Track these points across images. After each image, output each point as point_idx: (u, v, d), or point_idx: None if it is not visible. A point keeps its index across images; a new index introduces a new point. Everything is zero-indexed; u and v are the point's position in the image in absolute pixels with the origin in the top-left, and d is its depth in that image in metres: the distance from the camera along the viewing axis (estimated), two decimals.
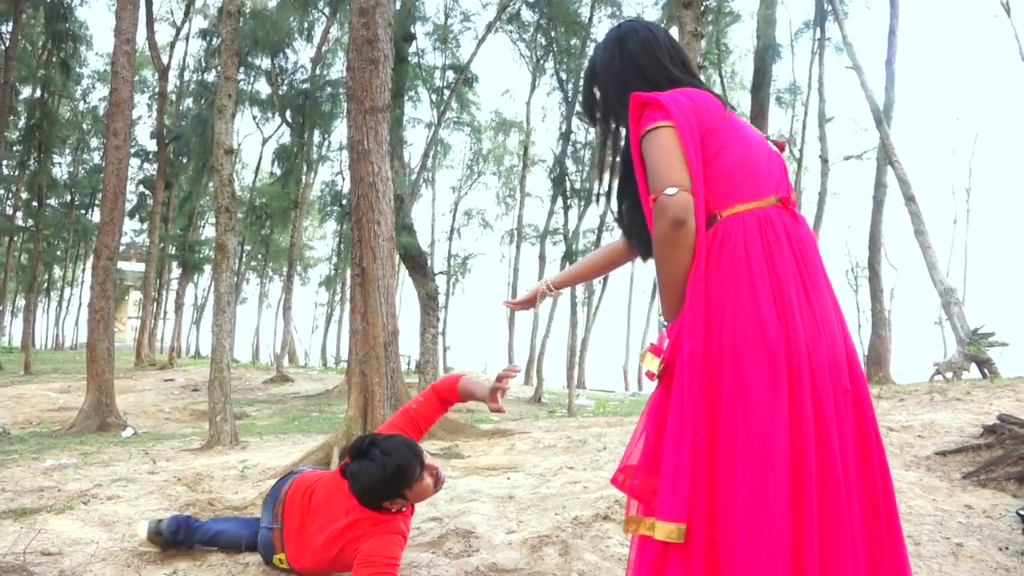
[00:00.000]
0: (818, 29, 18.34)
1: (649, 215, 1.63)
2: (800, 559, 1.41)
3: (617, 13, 19.79)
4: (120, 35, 9.25)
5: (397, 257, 8.73)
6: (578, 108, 18.73)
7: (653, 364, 1.63)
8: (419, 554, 2.85)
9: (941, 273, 12.40)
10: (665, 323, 1.69)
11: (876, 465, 1.57)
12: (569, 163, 19.17)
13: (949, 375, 10.99)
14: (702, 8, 5.05)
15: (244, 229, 22.41)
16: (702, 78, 1.90)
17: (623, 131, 1.84)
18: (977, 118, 74.00)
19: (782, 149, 1.80)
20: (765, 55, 14.18)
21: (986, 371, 10.28)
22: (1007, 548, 3.06)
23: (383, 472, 2.33)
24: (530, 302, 2.23)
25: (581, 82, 2.01)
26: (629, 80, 1.77)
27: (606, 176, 1.96)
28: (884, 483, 1.57)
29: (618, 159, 1.88)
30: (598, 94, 1.90)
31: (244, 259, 25.63)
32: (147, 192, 22.92)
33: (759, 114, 14.55)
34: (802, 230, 1.66)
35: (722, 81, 20.39)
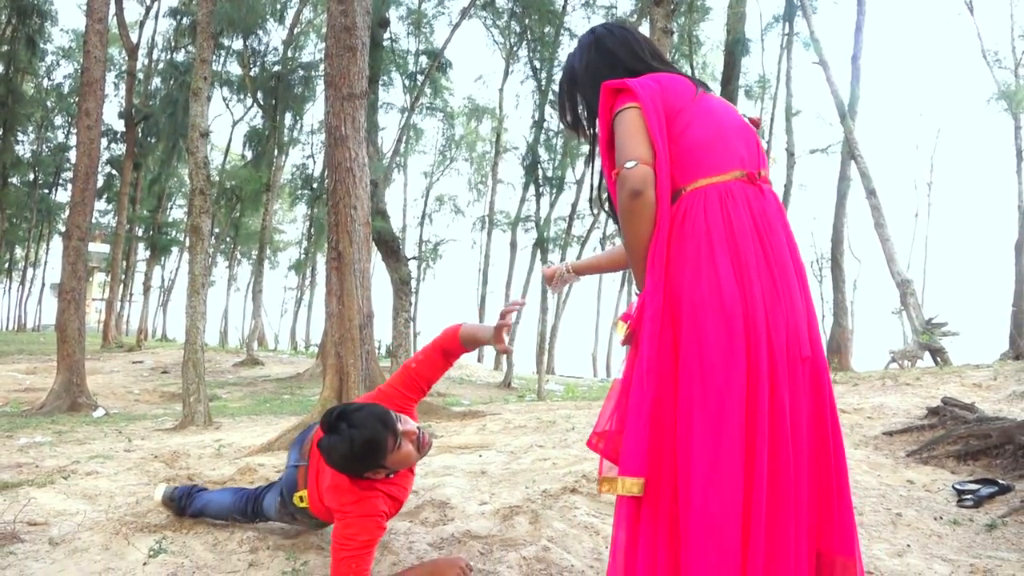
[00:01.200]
0: (787, 24, 18.68)
1: (613, 190, 1.73)
2: (748, 512, 1.48)
3: (591, 2, 19.91)
4: (92, 14, 9.16)
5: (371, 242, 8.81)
6: (551, 97, 18.87)
7: (622, 330, 1.72)
8: (396, 523, 3.01)
9: (899, 265, 12.82)
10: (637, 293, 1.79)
11: (829, 431, 1.63)
12: (542, 151, 19.29)
13: (905, 363, 11.43)
14: (672, 6, 5.23)
15: (215, 212, 22.20)
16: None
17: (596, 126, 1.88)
18: (940, 113, 75.53)
19: (757, 126, 1.86)
20: (734, 49, 14.43)
21: (938, 359, 10.70)
22: (941, 518, 3.32)
23: (351, 447, 2.20)
24: (549, 279, 2.27)
25: (558, 89, 2.03)
26: (605, 75, 1.81)
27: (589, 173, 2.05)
28: (836, 448, 1.63)
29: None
30: (579, 99, 1.95)
31: (214, 242, 25.38)
32: (115, 172, 22.58)
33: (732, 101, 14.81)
34: (768, 204, 1.70)
35: (693, 74, 20.58)
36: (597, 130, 1.88)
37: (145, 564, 2.66)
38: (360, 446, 2.20)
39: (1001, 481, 3.51)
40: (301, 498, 2.54)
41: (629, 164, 1.62)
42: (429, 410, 6.64)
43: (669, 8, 4.94)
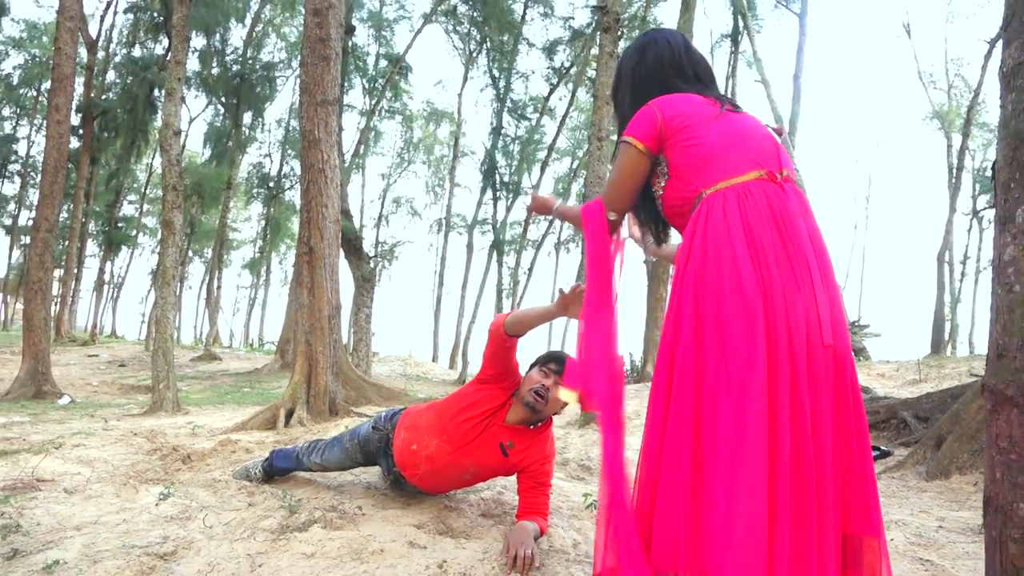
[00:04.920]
0: (733, 43, 19.57)
1: (668, 209, 1.97)
2: (774, 496, 1.55)
3: (549, 13, 20.55)
4: (64, 11, 9.38)
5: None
6: (509, 105, 19.43)
7: (571, 397, 2.08)
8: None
9: None
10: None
11: (852, 415, 1.69)
12: (499, 156, 19.83)
13: None
14: (619, 32, 5.79)
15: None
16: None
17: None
18: (878, 130, 78.53)
19: (780, 133, 1.99)
20: None
21: (860, 357, 11.62)
22: None
23: None
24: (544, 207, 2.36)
25: (613, 84, 2.25)
26: (639, 86, 2.07)
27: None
28: (859, 432, 1.70)
29: None
30: (620, 96, 2.17)
31: (185, 237, 25.19)
32: (71, 166, 22.34)
33: None
34: (788, 200, 1.80)
35: None
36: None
37: (157, 505, 3.10)
38: None
39: (883, 448, 4.17)
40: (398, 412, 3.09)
41: (611, 216, 1.98)
42: (391, 396, 7.11)
43: (616, 35, 5.54)
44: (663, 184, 1.95)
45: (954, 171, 23.70)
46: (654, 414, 1.78)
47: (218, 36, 19.84)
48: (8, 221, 29.35)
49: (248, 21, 21.77)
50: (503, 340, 2.73)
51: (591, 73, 18.20)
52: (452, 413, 2.82)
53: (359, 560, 2.40)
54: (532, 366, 2.81)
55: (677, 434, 1.67)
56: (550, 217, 2.56)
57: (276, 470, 3.38)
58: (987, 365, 1.63)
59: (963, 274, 25.82)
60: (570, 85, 21.96)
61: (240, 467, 3.51)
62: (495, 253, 20.94)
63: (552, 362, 2.74)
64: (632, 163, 1.93)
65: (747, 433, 1.55)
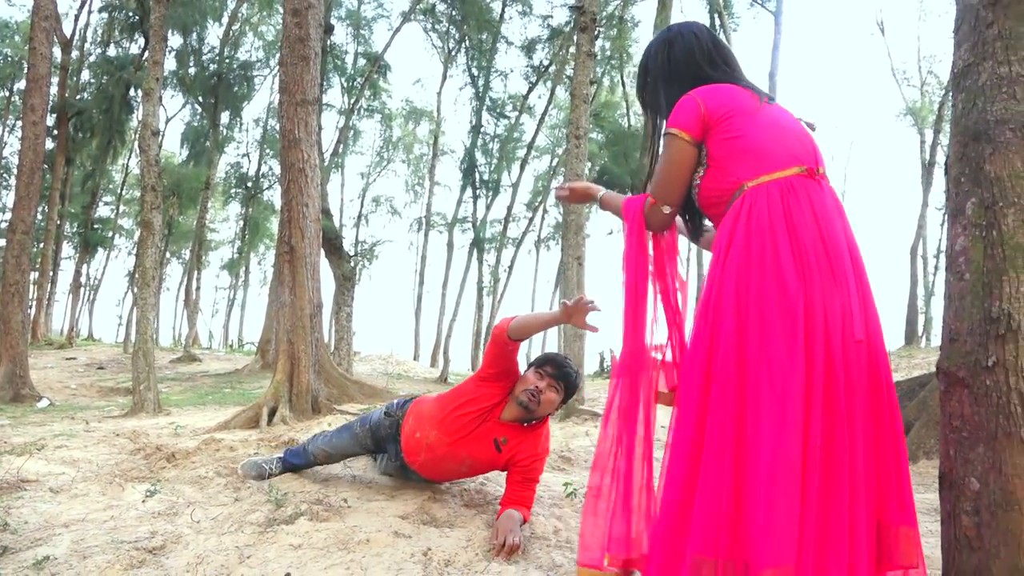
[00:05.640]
0: None
1: (704, 199, 1.97)
2: (807, 485, 1.61)
3: (528, 11, 20.61)
4: (39, 11, 9.30)
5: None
6: (488, 103, 19.48)
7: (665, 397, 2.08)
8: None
9: None
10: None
11: (886, 408, 1.72)
12: (479, 155, 19.87)
13: None
14: (596, 32, 5.87)
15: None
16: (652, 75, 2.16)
17: (663, 125, 2.06)
18: (853, 127, 79.26)
19: (813, 129, 2.01)
20: None
21: None
22: None
23: (575, 379, 2.89)
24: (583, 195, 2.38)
25: (638, 70, 2.24)
26: (673, 79, 2.06)
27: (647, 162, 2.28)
28: (893, 424, 1.73)
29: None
30: (650, 90, 2.17)
31: (164, 237, 24.97)
32: (46, 167, 22.05)
33: None
34: (826, 197, 1.82)
35: (623, 85, 21.56)
36: (655, 119, 2.18)
37: (144, 501, 3.14)
38: (574, 380, 2.90)
39: None
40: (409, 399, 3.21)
41: (666, 210, 2.00)
42: (373, 393, 7.15)
43: (592, 35, 5.62)
44: (701, 174, 1.94)
45: (927, 166, 24.07)
46: (686, 405, 1.79)
47: (195, 35, 19.69)
48: None
49: (225, 20, 21.64)
50: (505, 344, 2.85)
51: (570, 71, 18.31)
52: (452, 407, 2.94)
53: (346, 550, 2.46)
54: (529, 367, 2.92)
55: (719, 431, 1.68)
56: (592, 205, 2.60)
57: (290, 466, 3.44)
58: (941, 349, 1.72)
59: (936, 268, 26.24)
60: (549, 83, 22.04)
61: (249, 463, 3.49)
62: (475, 251, 21.00)
63: (548, 365, 2.85)
64: (680, 154, 1.93)
65: (786, 434, 1.58)
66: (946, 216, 1.76)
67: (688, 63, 2.04)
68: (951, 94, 1.75)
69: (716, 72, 2.02)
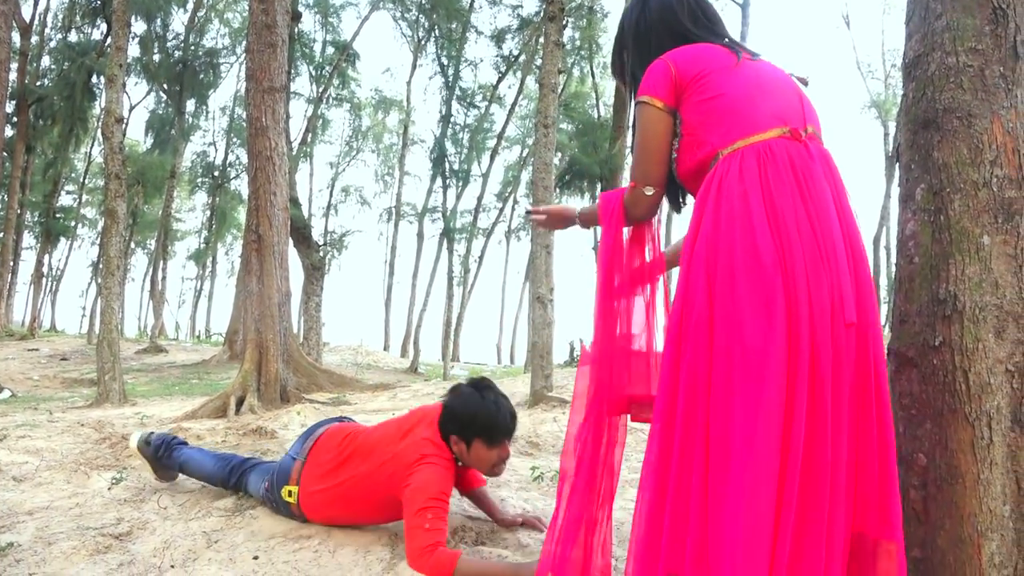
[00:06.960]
0: None
1: (683, 173, 1.77)
2: (783, 488, 1.41)
3: (497, 1, 20.54)
4: None
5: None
6: (458, 93, 19.42)
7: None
8: None
9: None
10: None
11: (873, 405, 1.51)
12: (449, 145, 19.82)
13: None
14: (564, 22, 5.90)
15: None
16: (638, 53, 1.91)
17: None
18: (819, 119, 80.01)
19: (806, 84, 1.80)
20: None
21: None
22: None
23: (482, 407, 2.34)
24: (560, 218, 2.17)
25: (614, 49, 2.02)
26: (652, 40, 1.86)
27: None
28: (881, 423, 1.52)
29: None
30: (625, 56, 1.97)
31: (128, 226, 24.50)
32: (5, 155, 21.50)
33: (625, 104, 15.82)
34: (814, 162, 1.60)
35: (593, 76, 21.63)
36: (631, 87, 1.95)
37: (110, 489, 3.12)
38: (488, 414, 2.33)
39: None
40: (290, 493, 2.54)
41: (648, 191, 1.79)
42: (343, 383, 7.14)
43: (561, 24, 5.65)
44: (677, 145, 1.75)
45: (891, 158, 24.54)
46: (662, 406, 1.62)
47: (159, 21, 19.31)
48: None
49: (190, 6, 21.25)
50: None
51: (540, 61, 18.34)
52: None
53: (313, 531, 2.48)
54: (474, 439, 2.36)
55: (690, 431, 1.52)
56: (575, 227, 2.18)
57: (168, 456, 3.07)
58: (891, 331, 1.79)
59: None
60: (519, 73, 22.03)
61: (146, 433, 3.14)
62: (446, 241, 20.96)
63: (503, 435, 2.40)
64: (654, 124, 1.74)
65: (758, 431, 1.39)
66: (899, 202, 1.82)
67: (664, 17, 1.84)
68: (903, 83, 1.80)
69: (697, 28, 1.82)
